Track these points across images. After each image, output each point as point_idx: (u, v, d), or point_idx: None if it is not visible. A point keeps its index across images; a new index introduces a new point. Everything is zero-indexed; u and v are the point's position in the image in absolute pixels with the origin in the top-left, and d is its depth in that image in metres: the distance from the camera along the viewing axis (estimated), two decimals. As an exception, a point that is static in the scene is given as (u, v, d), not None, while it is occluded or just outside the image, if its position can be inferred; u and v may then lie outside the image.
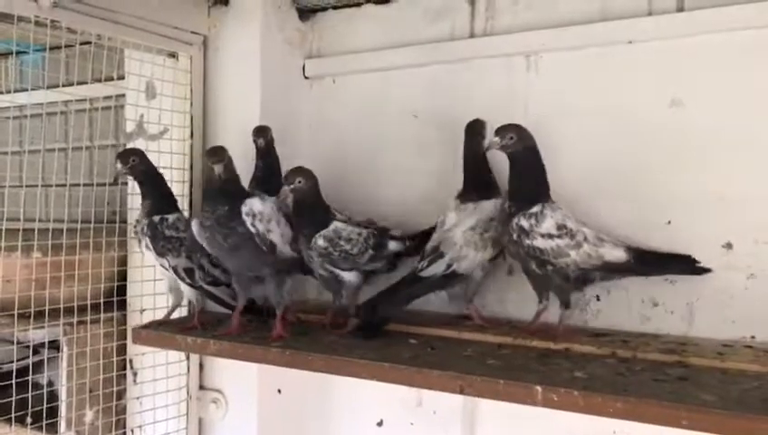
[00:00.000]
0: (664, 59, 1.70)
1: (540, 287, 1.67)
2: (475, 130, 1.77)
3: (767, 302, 1.57)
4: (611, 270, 1.62)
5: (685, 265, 1.63)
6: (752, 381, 1.32)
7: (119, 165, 1.77)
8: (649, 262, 1.63)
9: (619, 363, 1.47)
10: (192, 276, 1.82)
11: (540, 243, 1.56)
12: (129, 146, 2.13)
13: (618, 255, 1.60)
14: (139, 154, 1.81)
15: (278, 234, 1.70)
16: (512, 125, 1.60)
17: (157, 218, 1.79)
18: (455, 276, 1.71)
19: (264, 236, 1.66)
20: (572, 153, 1.76)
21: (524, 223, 1.56)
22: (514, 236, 1.57)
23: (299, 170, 1.69)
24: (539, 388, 1.31)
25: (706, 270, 1.62)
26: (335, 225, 1.71)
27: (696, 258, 1.62)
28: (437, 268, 1.71)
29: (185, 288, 1.85)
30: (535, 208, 1.56)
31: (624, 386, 1.30)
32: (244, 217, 1.64)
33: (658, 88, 1.69)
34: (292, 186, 1.65)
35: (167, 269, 1.82)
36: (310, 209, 1.71)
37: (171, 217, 1.81)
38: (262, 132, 1.89)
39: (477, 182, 1.76)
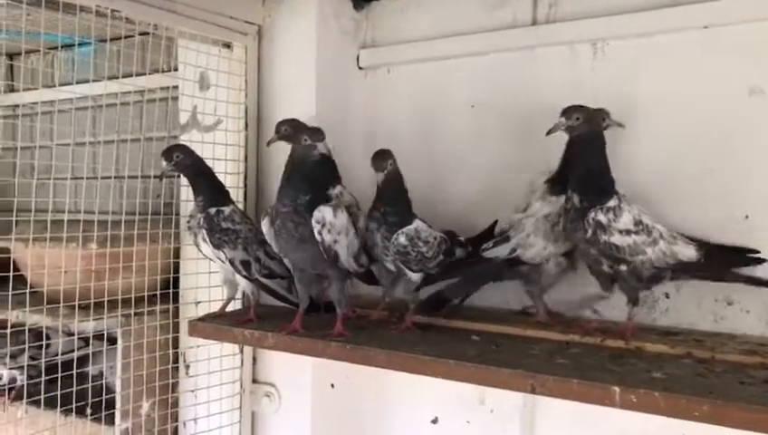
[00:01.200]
0: (742, 44, 1.61)
1: (608, 286, 1.60)
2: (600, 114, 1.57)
3: None
4: (683, 269, 1.55)
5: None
6: None
7: (164, 162, 1.76)
8: (719, 262, 1.56)
9: (697, 364, 1.40)
10: (249, 269, 1.80)
11: (617, 239, 1.47)
12: (183, 138, 2.12)
13: (689, 253, 1.53)
14: (183, 150, 1.79)
15: (344, 246, 1.65)
16: (580, 106, 1.52)
17: (213, 211, 1.77)
18: (518, 263, 1.65)
19: (329, 247, 1.62)
20: (643, 146, 1.69)
21: (602, 218, 1.46)
22: (590, 232, 1.47)
23: (386, 152, 1.62)
24: (617, 388, 1.25)
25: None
26: (417, 224, 1.64)
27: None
28: (501, 251, 1.65)
29: (241, 281, 1.83)
30: (612, 202, 1.48)
31: (708, 388, 1.23)
32: (313, 223, 1.59)
33: (737, 76, 1.61)
34: (384, 171, 1.59)
35: (223, 262, 1.80)
36: (396, 199, 1.65)
37: (227, 210, 1.79)
38: (280, 125, 1.82)
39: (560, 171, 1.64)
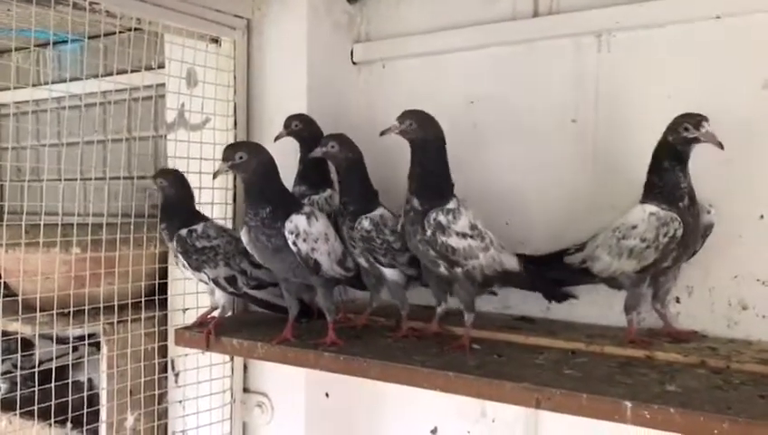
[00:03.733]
0: (757, 35, 1.53)
1: (441, 289, 1.61)
2: (680, 125, 1.41)
3: None
4: (507, 278, 1.56)
5: (551, 290, 1.62)
6: None
7: (153, 187, 1.71)
8: (536, 277, 1.59)
9: (712, 374, 1.32)
10: (235, 284, 1.70)
11: (454, 241, 1.46)
12: (171, 137, 2.04)
13: (513, 263, 1.56)
14: (168, 176, 1.72)
15: (324, 252, 1.57)
16: (415, 111, 1.52)
17: (184, 232, 1.67)
18: (590, 275, 1.55)
19: (306, 256, 1.53)
20: (650, 141, 1.60)
21: (442, 219, 1.46)
22: (429, 232, 1.46)
23: (334, 136, 1.59)
24: (628, 404, 1.17)
25: (571, 296, 1.62)
26: (383, 211, 1.59)
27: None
28: (575, 259, 1.57)
29: (219, 294, 1.73)
30: (452, 205, 1.48)
31: (727, 403, 1.15)
32: (287, 234, 1.51)
33: (750, 68, 1.53)
34: (324, 149, 1.56)
35: (207, 282, 1.71)
36: (352, 185, 1.59)
37: (199, 227, 1.69)
38: (290, 120, 1.76)
39: (649, 181, 1.47)
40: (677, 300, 1.62)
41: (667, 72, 1.62)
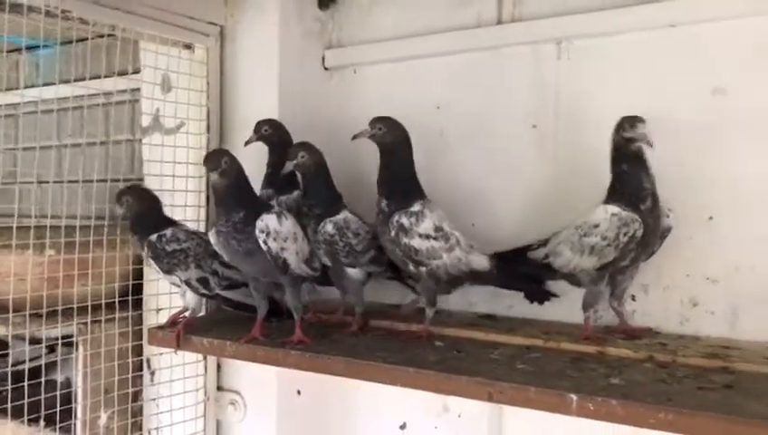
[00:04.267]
0: (706, 44, 1.60)
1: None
2: (620, 125, 1.49)
3: (818, 302, 1.47)
4: (477, 278, 1.62)
5: (533, 290, 1.68)
6: (805, 390, 1.23)
7: (117, 208, 1.74)
8: (508, 276, 1.65)
9: (658, 369, 1.38)
10: (207, 285, 1.75)
11: (416, 242, 1.54)
12: (146, 141, 2.08)
13: (483, 263, 1.61)
14: (132, 193, 1.75)
15: (293, 252, 1.61)
16: (384, 117, 1.61)
17: (154, 237, 1.72)
18: (551, 270, 1.60)
19: (276, 255, 1.58)
20: (607, 144, 1.67)
21: (405, 221, 1.54)
22: (392, 233, 1.55)
23: (301, 145, 1.64)
24: (573, 396, 1.22)
25: (552, 295, 1.67)
26: (346, 214, 1.65)
27: (548, 287, 1.67)
28: (538, 254, 1.63)
29: (189, 296, 1.77)
30: (416, 207, 1.55)
31: (667, 395, 1.21)
32: (257, 233, 1.56)
33: (701, 75, 1.59)
34: (294, 161, 1.61)
35: (179, 285, 1.75)
36: (319, 190, 1.66)
37: (168, 232, 1.73)
38: (260, 125, 1.81)
39: (612, 183, 1.52)
40: (633, 298, 1.68)
41: (623, 78, 1.68)
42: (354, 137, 1.64)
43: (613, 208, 1.47)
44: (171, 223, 1.77)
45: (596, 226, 1.49)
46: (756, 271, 1.54)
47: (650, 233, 1.47)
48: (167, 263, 1.70)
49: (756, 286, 1.54)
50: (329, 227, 1.62)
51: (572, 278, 1.58)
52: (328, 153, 1.93)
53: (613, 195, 1.50)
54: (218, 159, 1.56)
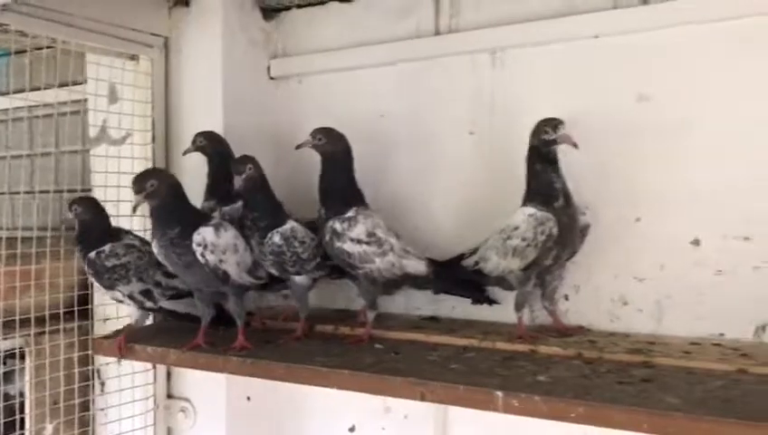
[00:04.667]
0: (630, 53, 1.67)
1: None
2: (540, 129, 1.55)
3: (735, 299, 1.55)
4: (413, 281, 1.69)
5: (474, 292, 1.73)
6: (717, 381, 1.30)
7: (67, 215, 1.75)
8: (445, 281, 1.72)
9: (584, 365, 1.44)
10: (151, 297, 1.76)
11: (348, 247, 1.60)
12: (94, 152, 2.09)
13: (419, 268, 1.67)
14: (82, 203, 1.76)
15: (233, 263, 1.64)
16: (325, 127, 1.68)
17: (93, 255, 1.72)
18: (483, 275, 1.66)
19: (215, 266, 1.61)
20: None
21: (338, 226, 1.61)
22: (327, 238, 1.62)
23: (246, 158, 1.66)
24: (499, 393, 1.28)
25: (494, 302, 1.74)
26: (292, 224, 1.67)
27: (487, 289, 1.74)
28: (470, 261, 1.68)
29: (131, 310, 1.79)
30: (350, 213, 1.61)
31: (587, 390, 1.27)
32: (194, 246, 1.58)
33: (625, 83, 1.67)
34: (244, 175, 1.62)
35: (121, 300, 1.77)
36: (262, 201, 1.67)
37: (107, 247, 1.73)
38: (196, 136, 1.84)
39: (527, 185, 1.59)
40: (566, 298, 1.75)
41: (553, 86, 1.75)
42: (297, 147, 1.69)
43: (529, 210, 1.54)
44: (118, 236, 1.77)
45: (516, 228, 1.56)
46: (679, 270, 1.61)
47: (566, 230, 1.54)
48: (107, 279, 1.71)
49: (679, 285, 1.61)
50: (276, 238, 1.64)
51: (503, 282, 1.64)
52: (275, 162, 1.98)
53: (529, 196, 1.57)
54: (144, 183, 1.58)
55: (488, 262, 1.62)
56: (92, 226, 1.76)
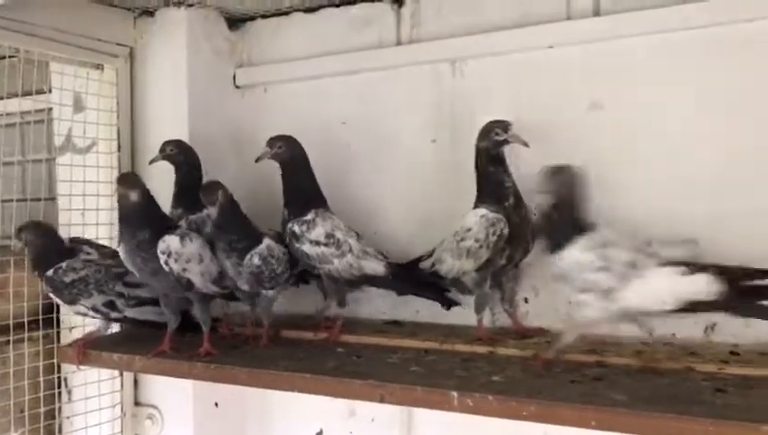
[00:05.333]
0: (583, 63, 1.72)
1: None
2: (490, 130, 1.60)
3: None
4: (371, 282, 1.75)
5: (435, 294, 1.75)
6: (664, 379, 1.35)
7: (17, 242, 1.76)
8: (404, 281, 1.75)
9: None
10: (114, 307, 1.77)
11: (307, 248, 1.66)
12: (59, 161, 2.10)
13: (378, 269, 1.72)
14: (29, 229, 1.76)
15: (197, 273, 1.66)
16: (281, 135, 1.73)
17: (50, 272, 1.73)
18: (440, 277, 1.69)
19: (179, 275, 1.63)
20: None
21: (296, 229, 1.67)
22: (287, 240, 1.69)
23: (215, 184, 1.67)
24: (455, 393, 1.31)
25: (455, 303, 1.75)
26: (267, 242, 1.68)
27: (449, 291, 1.75)
28: (427, 264, 1.72)
29: (98, 321, 1.80)
30: (309, 216, 1.68)
31: (539, 389, 1.31)
32: (159, 254, 1.60)
33: (578, 91, 1.72)
34: (216, 204, 1.63)
35: (85, 314, 1.77)
36: (238, 224, 1.68)
37: (64, 264, 1.73)
38: (165, 144, 1.85)
39: (478, 188, 1.64)
40: (526, 300, 1.79)
41: (509, 94, 1.79)
42: (257, 160, 1.74)
43: (481, 211, 1.59)
44: (72, 253, 1.77)
45: (469, 229, 1.60)
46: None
47: (517, 230, 1.59)
48: (68, 294, 1.72)
49: (632, 286, 1.66)
50: (255, 259, 1.64)
51: (459, 284, 1.68)
52: (240, 168, 2.00)
53: (480, 197, 1.62)
54: (126, 189, 1.63)
55: (444, 263, 1.66)
56: (45, 248, 1.76)
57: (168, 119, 2.03)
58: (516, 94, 1.79)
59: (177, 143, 1.85)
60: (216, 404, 2.08)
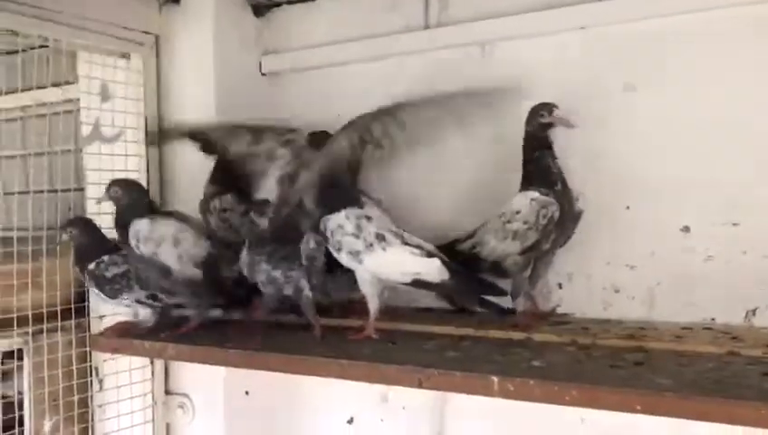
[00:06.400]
0: (616, 43, 1.69)
1: None
2: (536, 113, 1.59)
3: (725, 284, 1.58)
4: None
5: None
6: (707, 363, 1.32)
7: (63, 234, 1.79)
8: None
9: (578, 351, 1.46)
10: (157, 299, 1.77)
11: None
12: (86, 150, 2.10)
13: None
14: (76, 225, 1.80)
15: (173, 254, 1.67)
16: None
17: (92, 266, 1.75)
18: (479, 260, 1.65)
19: (150, 259, 1.65)
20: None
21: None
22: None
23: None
24: (495, 378, 1.29)
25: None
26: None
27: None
28: (465, 246, 1.68)
29: (143, 312, 1.81)
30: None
31: (581, 373, 1.29)
32: (130, 239, 1.64)
33: (611, 73, 1.69)
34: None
35: (129, 306, 1.79)
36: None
37: (105, 258, 1.76)
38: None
39: (525, 171, 1.61)
40: (560, 286, 1.77)
41: (542, 77, 1.76)
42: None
43: (532, 193, 1.56)
44: (114, 249, 1.78)
45: (517, 211, 1.57)
46: (670, 257, 1.64)
47: (565, 215, 1.57)
48: (110, 289, 1.74)
49: (670, 271, 1.64)
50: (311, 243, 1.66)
51: (498, 268, 1.64)
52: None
53: (528, 181, 1.59)
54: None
55: (485, 246, 1.62)
56: (88, 244, 1.79)
57: (195, 107, 2.02)
58: (548, 77, 1.76)
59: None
60: (247, 393, 2.08)
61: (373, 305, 1.60)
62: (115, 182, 1.75)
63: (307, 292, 1.67)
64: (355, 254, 1.55)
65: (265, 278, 1.65)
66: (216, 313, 1.81)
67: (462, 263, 1.63)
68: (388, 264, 1.55)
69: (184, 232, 1.69)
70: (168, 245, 1.65)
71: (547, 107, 1.56)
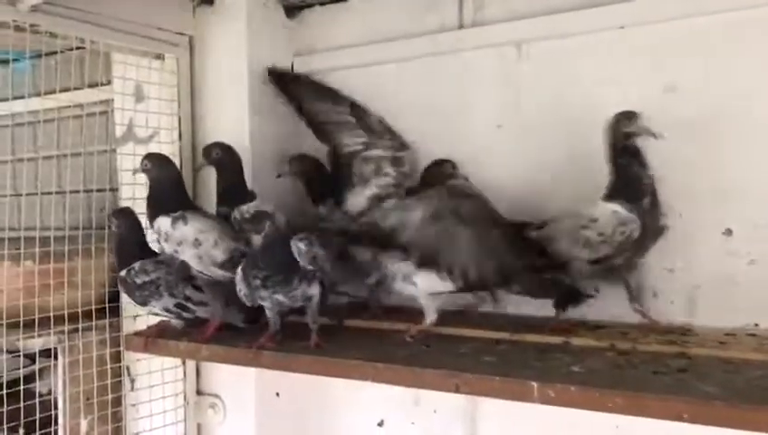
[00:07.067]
0: (656, 43, 1.66)
1: None
2: (618, 121, 1.53)
3: (769, 288, 1.53)
4: None
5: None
6: (755, 371, 1.29)
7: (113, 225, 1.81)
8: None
9: (618, 356, 1.43)
10: (185, 308, 1.77)
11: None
12: (120, 150, 2.11)
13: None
14: (118, 216, 1.80)
15: (193, 255, 1.68)
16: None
17: (123, 273, 1.75)
18: (543, 254, 1.59)
19: (170, 257, 1.68)
20: (566, 144, 1.72)
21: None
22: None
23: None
24: (535, 384, 1.27)
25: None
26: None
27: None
28: (535, 234, 1.62)
29: (174, 321, 1.81)
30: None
31: (623, 380, 1.26)
32: (152, 234, 1.66)
33: (651, 74, 1.65)
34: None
35: (158, 313, 1.79)
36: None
37: (137, 265, 1.75)
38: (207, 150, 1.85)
39: (612, 180, 1.54)
40: (596, 290, 1.74)
41: (579, 77, 1.74)
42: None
43: (615, 206, 1.49)
44: (139, 254, 1.78)
45: (595, 220, 1.51)
46: (711, 260, 1.60)
47: (647, 233, 1.50)
48: (139, 296, 1.73)
49: (711, 275, 1.60)
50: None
51: (563, 267, 1.57)
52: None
53: (614, 191, 1.51)
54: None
55: (555, 242, 1.56)
56: (128, 240, 1.79)
57: (228, 107, 2.02)
58: (586, 78, 1.73)
59: (223, 146, 1.84)
60: (278, 394, 2.08)
61: (430, 317, 1.64)
62: (148, 156, 1.79)
63: (316, 299, 1.61)
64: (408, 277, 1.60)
65: (269, 303, 1.61)
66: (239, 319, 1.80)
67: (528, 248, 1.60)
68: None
69: (205, 233, 1.68)
70: (187, 245, 1.67)
71: (628, 115, 1.50)
